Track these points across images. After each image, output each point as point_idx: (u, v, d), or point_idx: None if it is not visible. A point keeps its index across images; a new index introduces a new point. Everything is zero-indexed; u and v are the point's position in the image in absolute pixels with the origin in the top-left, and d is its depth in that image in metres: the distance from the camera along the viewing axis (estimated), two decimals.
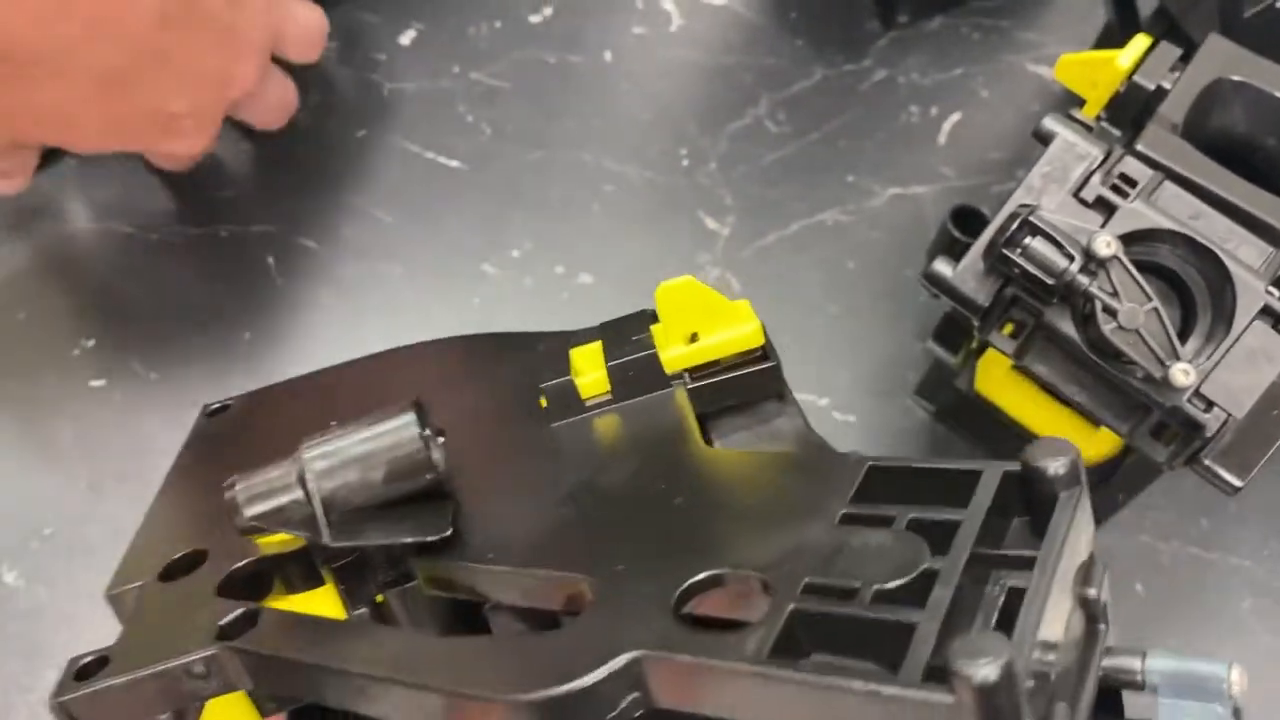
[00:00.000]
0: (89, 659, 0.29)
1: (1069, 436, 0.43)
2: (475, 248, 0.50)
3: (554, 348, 0.35)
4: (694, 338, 0.33)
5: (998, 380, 0.45)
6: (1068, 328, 0.32)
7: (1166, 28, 0.45)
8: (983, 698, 0.19)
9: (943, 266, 0.33)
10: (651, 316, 0.35)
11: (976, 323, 0.33)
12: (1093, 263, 0.30)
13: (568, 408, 0.33)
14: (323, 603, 0.31)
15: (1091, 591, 0.23)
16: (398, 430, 0.29)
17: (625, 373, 0.33)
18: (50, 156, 0.49)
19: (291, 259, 0.49)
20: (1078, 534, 0.23)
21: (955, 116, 0.54)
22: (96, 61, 0.39)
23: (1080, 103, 0.41)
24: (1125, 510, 0.45)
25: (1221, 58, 0.37)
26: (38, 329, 0.47)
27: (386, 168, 0.52)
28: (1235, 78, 0.37)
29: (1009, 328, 0.34)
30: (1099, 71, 0.39)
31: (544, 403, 0.33)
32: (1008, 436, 0.46)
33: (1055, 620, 0.22)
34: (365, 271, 0.49)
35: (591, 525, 0.29)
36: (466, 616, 0.31)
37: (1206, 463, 0.31)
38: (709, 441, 0.32)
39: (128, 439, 0.45)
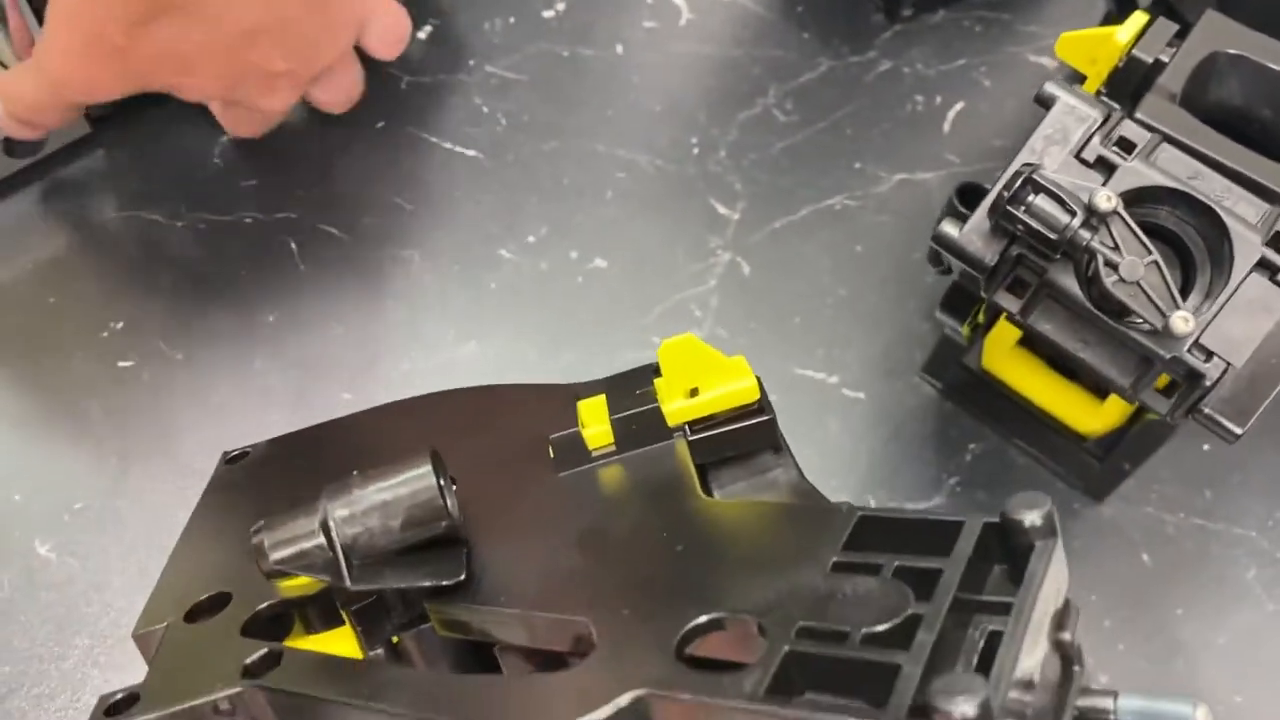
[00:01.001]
0: (119, 696, 0.31)
1: (1074, 410, 0.45)
2: (492, 233, 0.51)
3: (561, 400, 0.37)
4: (694, 392, 0.34)
5: (1004, 357, 0.46)
6: (1071, 284, 0.33)
7: (1164, 13, 0.46)
8: None
9: (949, 227, 0.34)
10: (654, 371, 0.37)
11: (982, 281, 0.34)
12: (1094, 218, 0.31)
13: (575, 458, 0.34)
14: (341, 643, 0.32)
15: (1066, 635, 0.24)
16: (415, 479, 0.31)
17: (629, 425, 0.34)
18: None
19: (314, 245, 0.51)
20: (1052, 581, 0.24)
21: (959, 105, 0.55)
22: (243, 18, 0.44)
23: (1081, 81, 0.42)
24: (1131, 483, 0.46)
25: (1218, 32, 0.38)
26: (68, 312, 0.49)
27: (405, 157, 0.53)
28: (1232, 51, 0.38)
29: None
30: (1099, 47, 0.40)
31: (552, 453, 0.35)
32: (1014, 412, 0.47)
33: (1031, 662, 0.23)
34: (385, 257, 0.51)
35: (597, 570, 0.30)
36: (477, 657, 0.33)
37: (1207, 411, 0.32)
38: (708, 491, 0.34)
39: (155, 416, 0.46)
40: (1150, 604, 0.45)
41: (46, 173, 0.51)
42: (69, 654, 0.42)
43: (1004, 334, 0.45)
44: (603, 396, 0.36)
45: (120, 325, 0.48)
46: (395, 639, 0.32)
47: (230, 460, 0.41)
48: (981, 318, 0.45)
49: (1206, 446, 0.48)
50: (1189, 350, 0.32)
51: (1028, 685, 0.23)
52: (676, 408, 0.34)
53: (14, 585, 0.43)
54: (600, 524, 0.32)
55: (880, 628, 0.23)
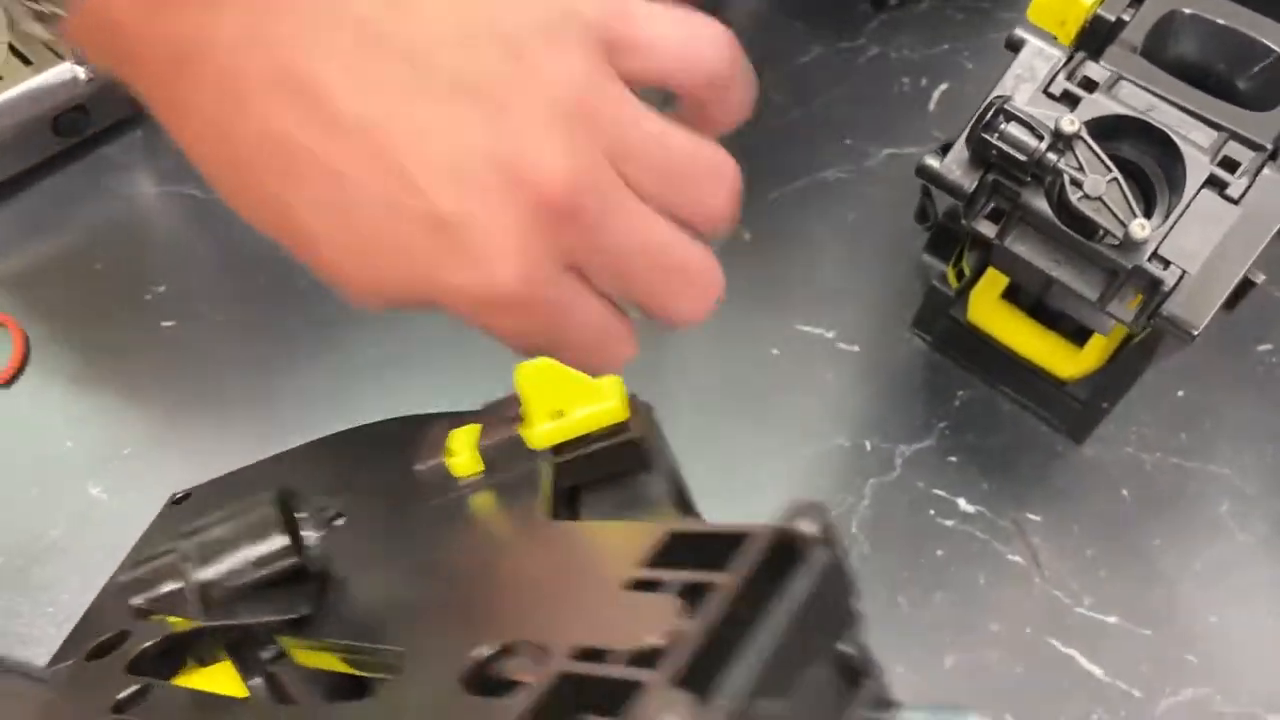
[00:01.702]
0: None
1: (1055, 357, 0.48)
2: None
3: (443, 430, 0.37)
4: (560, 415, 0.34)
5: (989, 309, 0.49)
6: (1042, 205, 0.36)
7: None
8: None
9: (931, 160, 0.37)
10: None
11: (962, 209, 0.37)
12: (1060, 141, 0.34)
13: (442, 487, 0.35)
14: (226, 675, 0.34)
15: (847, 648, 0.23)
16: (259, 518, 0.32)
17: (494, 452, 0.35)
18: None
19: None
20: (824, 592, 0.23)
21: (944, 86, 0.59)
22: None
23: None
24: (1111, 426, 0.49)
25: None
26: (114, 278, 0.52)
27: None
28: (1187, 10, 0.42)
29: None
30: (1067, 9, 0.43)
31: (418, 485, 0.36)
32: (999, 361, 0.50)
33: (783, 675, 0.22)
34: None
35: (426, 600, 0.31)
36: (352, 682, 0.33)
37: (1166, 314, 0.35)
38: (577, 512, 0.34)
39: (195, 371, 0.50)
40: (1130, 536, 0.48)
41: (91, 150, 0.55)
42: None
43: (988, 288, 0.48)
44: (479, 425, 0.36)
45: (162, 289, 0.52)
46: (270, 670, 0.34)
47: (176, 501, 0.44)
48: (966, 266, 0.48)
49: (1181, 393, 0.51)
50: (1149, 260, 0.35)
51: (775, 700, 0.22)
52: (540, 431, 0.34)
53: (70, 522, 0.46)
54: (444, 553, 0.33)
55: (645, 645, 0.23)
